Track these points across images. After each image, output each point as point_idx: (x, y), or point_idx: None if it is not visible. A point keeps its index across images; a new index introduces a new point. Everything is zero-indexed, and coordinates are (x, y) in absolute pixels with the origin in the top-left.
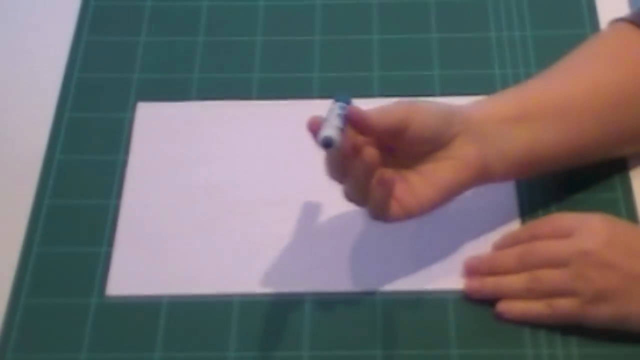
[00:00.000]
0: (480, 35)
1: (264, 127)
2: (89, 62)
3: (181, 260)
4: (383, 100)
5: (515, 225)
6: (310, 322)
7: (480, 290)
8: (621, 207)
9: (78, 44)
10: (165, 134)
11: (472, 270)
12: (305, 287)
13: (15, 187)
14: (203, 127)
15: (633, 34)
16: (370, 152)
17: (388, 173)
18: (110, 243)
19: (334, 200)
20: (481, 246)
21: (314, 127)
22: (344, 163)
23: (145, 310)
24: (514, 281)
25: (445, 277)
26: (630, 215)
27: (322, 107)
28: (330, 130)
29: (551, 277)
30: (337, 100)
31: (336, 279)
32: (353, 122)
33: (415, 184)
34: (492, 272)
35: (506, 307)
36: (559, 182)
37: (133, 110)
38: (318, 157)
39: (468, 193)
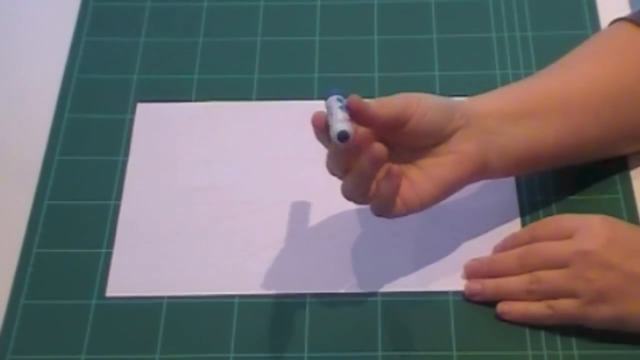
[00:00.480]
0: (480, 36)
1: (264, 128)
2: (88, 63)
3: (181, 262)
4: None
5: (515, 225)
6: (310, 323)
7: (481, 292)
8: (622, 208)
9: (77, 45)
10: (165, 135)
11: (473, 272)
12: (305, 288)
13: (15, 187)
14: (203, 127)
15: (634, 32)
16: (379, 147)
17: (396, 167)
18: (110, 244)
19: (334, 200)
20: (482, 247)
21: (319, 122)
22: (349, 158)
23: (145, 311)
24: (514, 282)
25: (446, 278)
26: (631, 215)
27: (322, 107)
28: (343, 123)
29: (551, 277)
30: (331, 94)
31: (336, 280)
32: (353, 112)
33: (415, 179)
34: (493, 274)
35: (507, 307)
36: (559, 182)
37: (133, 110)
38: (318, 157)
39: (469, 193)
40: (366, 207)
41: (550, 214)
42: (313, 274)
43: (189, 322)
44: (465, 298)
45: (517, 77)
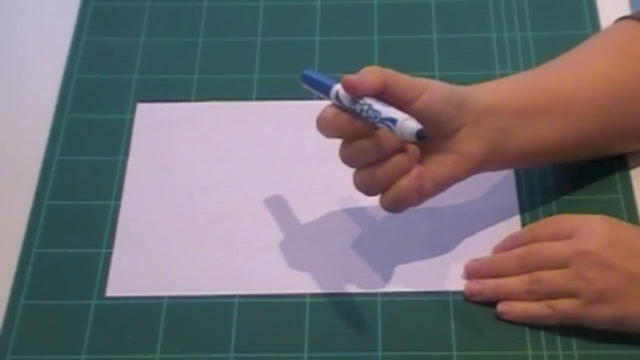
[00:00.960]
0: (480, 36)
1: (264, 128)
2: (88, 63)
3: (181, 262)
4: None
5: (515, 225)
6: (310, 323)
7: (480, 292)
8: (622, 207)
9: (77, 45)
10: (165, 135)
11: (473, 272)
12: (305, 288)
13: (15, 187)
14: (203, 127)
15: (638, 30)
16: (414, 147)
17: (420, 167)
18: (110, 244)
19: (333, 200)
20: (482, 247)
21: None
22: (378, 152)
23: (145, 311)
24: (514, 283)
25: (446, 278)
26: (631, 215)
27: (323, 107)
28: (412, 121)
29: (551, 278)
30: (309, 77)
31: (336, 280)
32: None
33: None
34: (493, 274)
35: (507, 307)
36: (559, 182)
37: (133, 110)
38: (317, 157)
39: (469, 193)
40: (366, 206)
41: (550, 214)
42: (313, 274)
43: (189, 322)
44: (465, 298)
45: None
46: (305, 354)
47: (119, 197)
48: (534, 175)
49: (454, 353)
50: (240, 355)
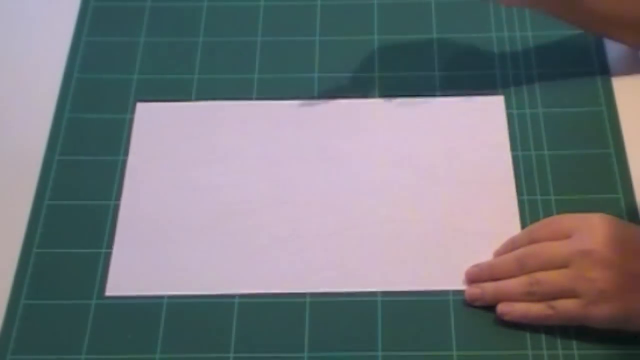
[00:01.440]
0: (481, 36)
1: (264, 127)
2: (88, 63)
3: (181, 261)
4: (383, 100)
5: (515, 225)
6: (310, 323)
7: (481, 296)
8: (622, 208)
9: (78, 44)
10: (165, 135)
11: (473, 278)
12: (305, 287)
13: (15, 187)
14: (203, 127)
15: None
16: None
17: None
18: (109, 244)
19: (334, 200)
20: (482, 247)
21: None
22: None
23: (145, 311)
24: (513, 285)
25: (446, 277)
26: (631, 215)
27: (323, 107)
28: None
29: (551, 278)
30: None
31: (337, 279)
32: None
33: None
34: (493, 278)
35: (507, 308)
36: (559, 182)
37: (133, 110)
38: (317, 156)
39: (468, 193)
40: (366, 206)
41: (550, 214)
42: (313, 273)
43: (189, 322)
44: (465, 303)
45: (517, 77)
46: (305, 354)
47: (119, 197)
48: (534, 175)
49: (454, 353)
50: (240, 355)
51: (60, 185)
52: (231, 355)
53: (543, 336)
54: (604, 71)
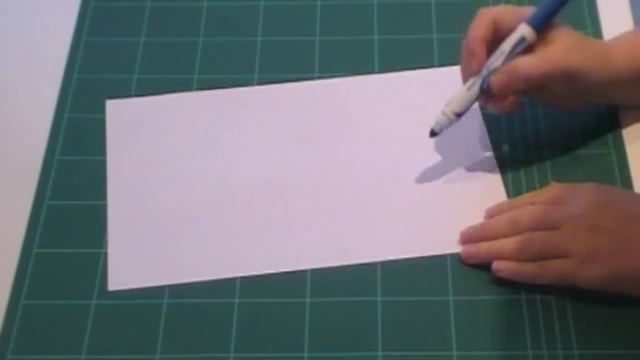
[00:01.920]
0: None
1: (239, 115)
2: (88, 63)
3: (178, 250)
4: (359, 79)
5: (497, 184)
6: (310, 323)
7: (475, 254)
8: None
9: (77, 44)
10: (140, 129)
11: (467, 238)
12: (305, 263)
13: (15, 187)
14: (177, 118)
15: None
16: None
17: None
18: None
19: (321, 178)
20: (470, 209)
21: None
22: None
23: (145, 311)
24: (507, 243)
25: (441, 241)
26: None
27: (298, 90)
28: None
29: (544, 238)
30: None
31: (335, 253)
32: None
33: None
34: (487, 238)
35: (502, 265)
36: (559, 182)
37: None
38: (298, 139)
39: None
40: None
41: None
42: (311, 249)
43: (189, 322)
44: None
45: None
46: (305, 354)
47: None
48: (534, 175)
49: (454, 353)
50: (240, 355)
51: (60, 185)
52: (231, 355)
53: (543, 336)
54: None
